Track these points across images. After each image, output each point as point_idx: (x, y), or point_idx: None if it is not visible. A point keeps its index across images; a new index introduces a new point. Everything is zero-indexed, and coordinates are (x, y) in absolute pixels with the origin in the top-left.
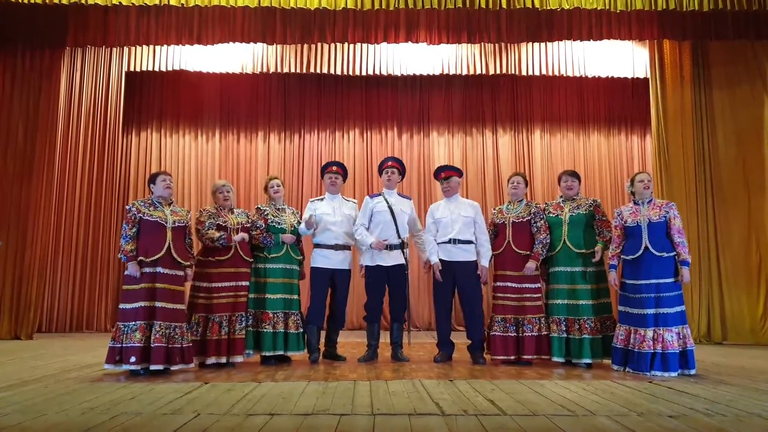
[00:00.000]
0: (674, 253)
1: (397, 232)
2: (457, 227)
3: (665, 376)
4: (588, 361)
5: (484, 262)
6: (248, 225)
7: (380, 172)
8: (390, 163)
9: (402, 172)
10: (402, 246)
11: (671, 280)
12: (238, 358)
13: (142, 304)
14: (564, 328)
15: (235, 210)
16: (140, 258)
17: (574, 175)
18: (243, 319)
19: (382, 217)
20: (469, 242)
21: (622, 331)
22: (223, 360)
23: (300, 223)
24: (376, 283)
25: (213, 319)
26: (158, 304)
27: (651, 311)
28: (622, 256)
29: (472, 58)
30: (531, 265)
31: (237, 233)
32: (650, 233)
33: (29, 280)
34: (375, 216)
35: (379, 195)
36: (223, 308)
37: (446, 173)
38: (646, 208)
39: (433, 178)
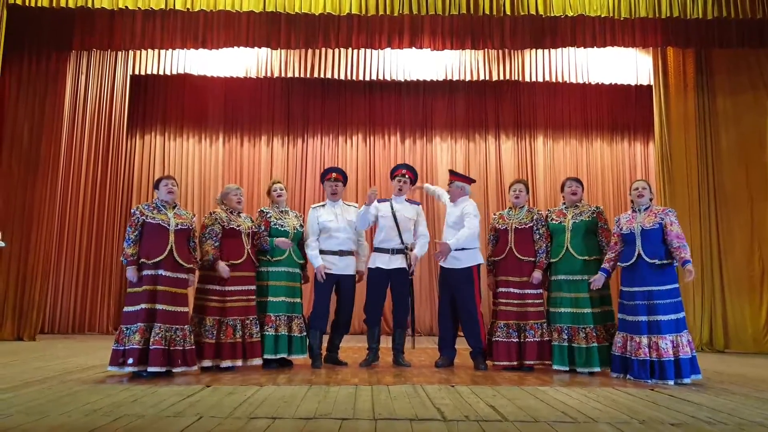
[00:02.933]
0: (668, 260)
1: (400, 237)
2: (450, 233)
3: (662, 384)
4: (597, 369)
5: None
6: (255, 230)
7: (392, 178)
8: (403, 171)
9: (414, 179)
10: (405, 251)
11: (665, 287)
12: (257, 361)
13: (143, 306)
14: (566, 337)
15: (241, 215)
16: (142, 260)
17: (578, 181)
18: (257, 323)
19: (386, 222)
20: (462, 249)
21: (619, 338)
22: (239, 363)
23: (302, 226)
24: (375, 285)
25: (227, 322)
26: (159, 306)
27: (644, 318)
28: (618, 264)
29: (476, 64)
30: (537, 275)
31: (248, 237)
32: (643, 240)
33: (32, 281)
34: (379, 220)
35: (387, 201)
36: (236, 312)
37: (450, 178)
38: (643, 215)
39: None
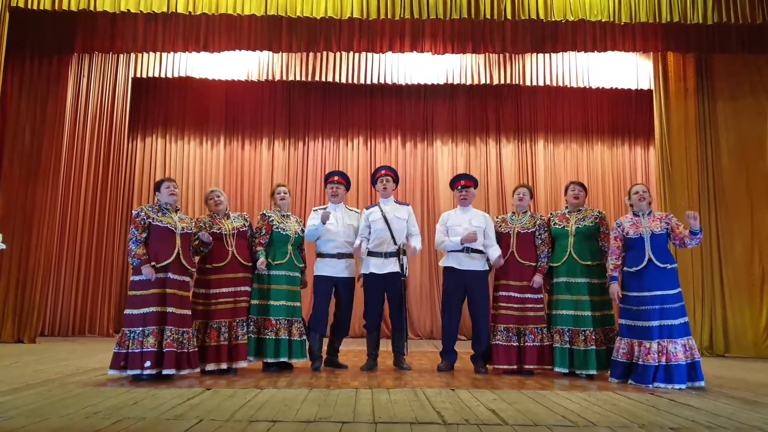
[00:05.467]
0: (673, 264)
1: (393, 239)
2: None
3: (669, 388)
4: (593, 372)
5: (495, 253)
6: (245, 230)
7: (374, 182)
8: (384, 171)
9: (396, 179)
10: (398, 253)
11: (674, 291)
12: (242, 364)
13: (153, 309)
14: (567, 339)
15: (231, 215)
16: (152, 263)
17: (581, 185)
18: (245, 324)
19: (377, 225)
20: (480, 252)
21: (623, 344)
22: (224, 366)
23: (303, 231)
24: (372, 290)
25: (211, 325)
26: (169, 309)
27: (656, 323)
28: (624, 269)
29: (477, 68)
30: (538, 279)
31: (233, 238)
32: (653, 245)
33: (33, 283)
34: (371, 225)
35: (375, 205)
36: (221, 314)
37: (465, 182)
38: (647, 219)
39: (436, 187)
